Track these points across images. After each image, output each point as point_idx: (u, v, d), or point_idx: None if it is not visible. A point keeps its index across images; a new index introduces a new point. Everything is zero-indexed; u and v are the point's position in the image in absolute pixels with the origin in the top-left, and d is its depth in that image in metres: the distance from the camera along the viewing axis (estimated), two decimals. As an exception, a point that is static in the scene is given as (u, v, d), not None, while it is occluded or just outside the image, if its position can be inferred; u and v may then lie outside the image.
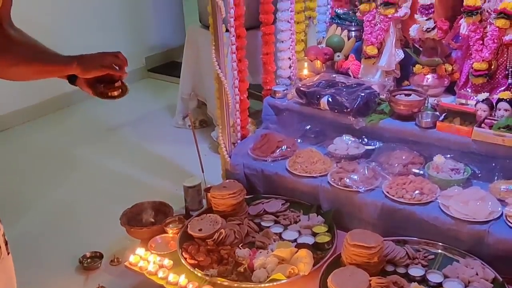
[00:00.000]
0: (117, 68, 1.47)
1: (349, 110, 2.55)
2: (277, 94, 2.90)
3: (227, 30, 2.66)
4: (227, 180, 2.64)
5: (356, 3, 2.93)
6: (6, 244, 1.27)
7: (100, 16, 4.54)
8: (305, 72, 3.03)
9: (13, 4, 1.38)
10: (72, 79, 1.51)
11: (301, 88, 2.75)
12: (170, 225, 2.47)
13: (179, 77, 3.90)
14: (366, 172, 2.40)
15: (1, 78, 1.37)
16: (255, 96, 3.33)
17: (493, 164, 2.30)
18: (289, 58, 3.05)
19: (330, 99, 2.62)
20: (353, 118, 2.57)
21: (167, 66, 5.08)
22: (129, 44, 4.67)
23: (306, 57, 3.09)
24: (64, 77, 1.51)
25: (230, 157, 2.75)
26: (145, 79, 4.91)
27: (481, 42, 2.50)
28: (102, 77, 1.48)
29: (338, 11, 3.28)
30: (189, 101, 3.84)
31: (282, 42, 3.01)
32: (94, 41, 4.15)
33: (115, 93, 1.51)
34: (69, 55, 1.45)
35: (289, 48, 3.03)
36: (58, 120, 4.19)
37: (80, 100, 4.32)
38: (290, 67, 3.07)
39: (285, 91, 2.90)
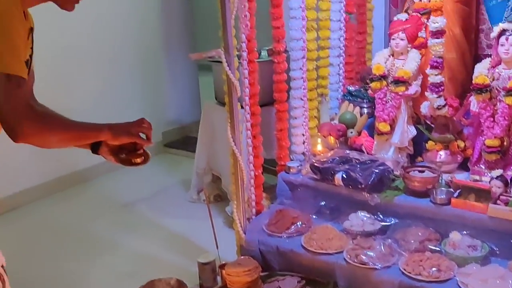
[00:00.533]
0: (143, 137, 1.55)
1: (363, 186, 2.57)
2: (291, 170, 2.93)
3: (242, 107, 2.75)
4: (242, 257, 2.63)
5: (367, 80, 3.01)
6: None
7: (118, 92, 4.69)
8: (319, 148, 3.08)
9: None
10: (95, 148, 1.59)
11: (315, 164, 2.79)
12: (184, 303, 2.44)
13: (194, 151, 3.97)
14: (383, 248, 2.39)
15: (38, 146, 1.44)
16: (270, 170, 3.36)
17: (511, 241, 2.28)
18: (303, 134, 3.11)
19: (344, 175, 2.64)
20: (368, 195, 2.58)
21: (183, 141, 5.18)
22: (146, 119, 4.78)
23: (319, 133, 3.14)
24: (87, 146, 1.60)
25: (245, 233, 2.75)
26: (161, 154, 4.99)
27: (492, 119, 2.54)
28: (126, 145, 1.57)
29: (350, 88, 3.36)
30: (204, 175, 3.88)
31: (296, 118, 3.08)
32: (112, 116, 4.27)
33: (138, 160, 1.59)
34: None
35: (302, 125, 3.10)
36: (73, 196, 4.23)
37: (95, 176, 4.39)
38: (303, 143, 3.12)
39: (299, 167, 2.94)
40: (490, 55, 2.68)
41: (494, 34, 2.55)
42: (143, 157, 1.60)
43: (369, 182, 2.56)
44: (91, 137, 1.55)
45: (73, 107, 3.93)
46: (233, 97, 2.65)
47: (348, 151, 2.92)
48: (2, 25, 1.35)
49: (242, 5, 2.53)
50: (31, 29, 1.51)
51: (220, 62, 2.67)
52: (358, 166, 2.69)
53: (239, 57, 2.75)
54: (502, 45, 2.50)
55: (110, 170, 4.44)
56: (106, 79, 4.59)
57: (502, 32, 2.51)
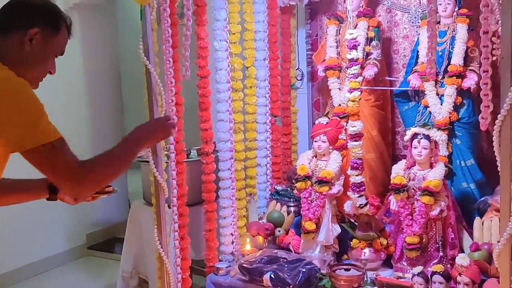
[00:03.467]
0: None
1: (291, 286, 2.56)
2: (220, 271, 2.89)
3: (169, 207, 2.73)
4: None
5: (293, 180, 3.10)
6: None
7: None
8: (248, 247, 3.07)
9: None
10: (53, 192, 1.72)
11: (244, 265, 2.77)
12: None
13: (120, 254, 3.84)
14: None
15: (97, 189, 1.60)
16: (199, 271, 3.30)
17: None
18: (232, 234, 3.11)
19: (272, 276, 2.64)
20: (296, 295, 2.57)
21: (109, 242, 4.98)
22: (70, 221, 4.62)
23: (248, 233, 3.15)
24: (45, 192, 1.73)
25: None
26: (85, 257, 4.77)
27: (410, 217, 2.66)
28: None
29: (277, 187, 3.44)
30: (130, 279, 3.73)
31: (225, 218, 3.09)
32: (35, 219, 4.12)
33: (110, 189, 1.72)
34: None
35: (231, 224, 3.11)
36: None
37: (12, 283, 4.11)
38: (232, 242, 3.11)
39: (228, 268, 2.91)
40: (406, 155, 2.85)
41: (407, 137, 2.74)
42: (111, 187, 1.71)
43: (297, 282, 2.56)
44: (142, 149, 1.74)
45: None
46: (160, 198, 2.63)
47: (276, 250, 2.93)
48: (27, 98, 1.41)
49: (170, 109, 2.60)
50: None
51: (148, 161, 2.67)
52: (286, 265, 2.70)
53: (167, 157, 2.78)
54: (415, 147, 2.68)
55: (31, 274, 4.21)
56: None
57: (415, 135, 2.70)
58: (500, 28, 1.82)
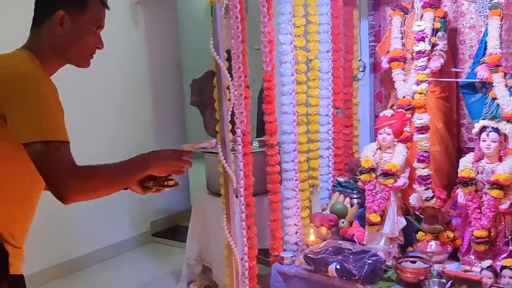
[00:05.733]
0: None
1: (357, 277, 2.59)
2: (285, 261, 2.95)
3: (236, 197, 2.80)
4: None
5: (357, 173, 3.11)
6: None
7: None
8: (312, 238, 3.11)
9: None
10: None
11: (309, 255, 2.82)
12: None
13: (183, 241, 3.95)
14: None
15: (84, 199, 1.49)
16: (261, 260, 3.37)
17: (506, 333, 2.30)
18: (295, 225, 3.16)
19: (338, 266, 2.67)
20: (362, 286, 2.60)
21: (172, 230, 5.15)
22: (134, 209, 4.79)
23: (311, 224, 3.19)
24: None
25: (239, 327, 2.72)
26: (149, 244, 4.95)
27: (478, 210, 2.63)
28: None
29: (340, 179, 3.46)
30: (195, 266, 3.85)
31: (288, 209, 3.13)
32: (103, 206, 4.28)
33: (172, 183, 1.74)
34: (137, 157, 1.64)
35: (295, 215, 3.16)
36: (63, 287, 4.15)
37: (85, 266, 4.32)
38: (296, 233, 3.16)
39: (293, 258, 2.96)
40: (471, 148, 2.81)
41: (475, 130, 2.70)
42: (174, 181, 1.74)
43: (363, 273, 2.59)
44: (138, 177, 1.67)
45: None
46: (229, 188, 2.72)
47: (340, 242, 2.96)
48: (36, 92, 1.42)
49: (240, 102, 2.67)
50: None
51: (212, 152, 2.75)
52: (351, 256, 2.72)
53: (233, 149, 2.85)
54: (483, 140, 2.64)
55: (100, 259, 4.41)
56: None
57: (483, 128, 2.66)
58: None
